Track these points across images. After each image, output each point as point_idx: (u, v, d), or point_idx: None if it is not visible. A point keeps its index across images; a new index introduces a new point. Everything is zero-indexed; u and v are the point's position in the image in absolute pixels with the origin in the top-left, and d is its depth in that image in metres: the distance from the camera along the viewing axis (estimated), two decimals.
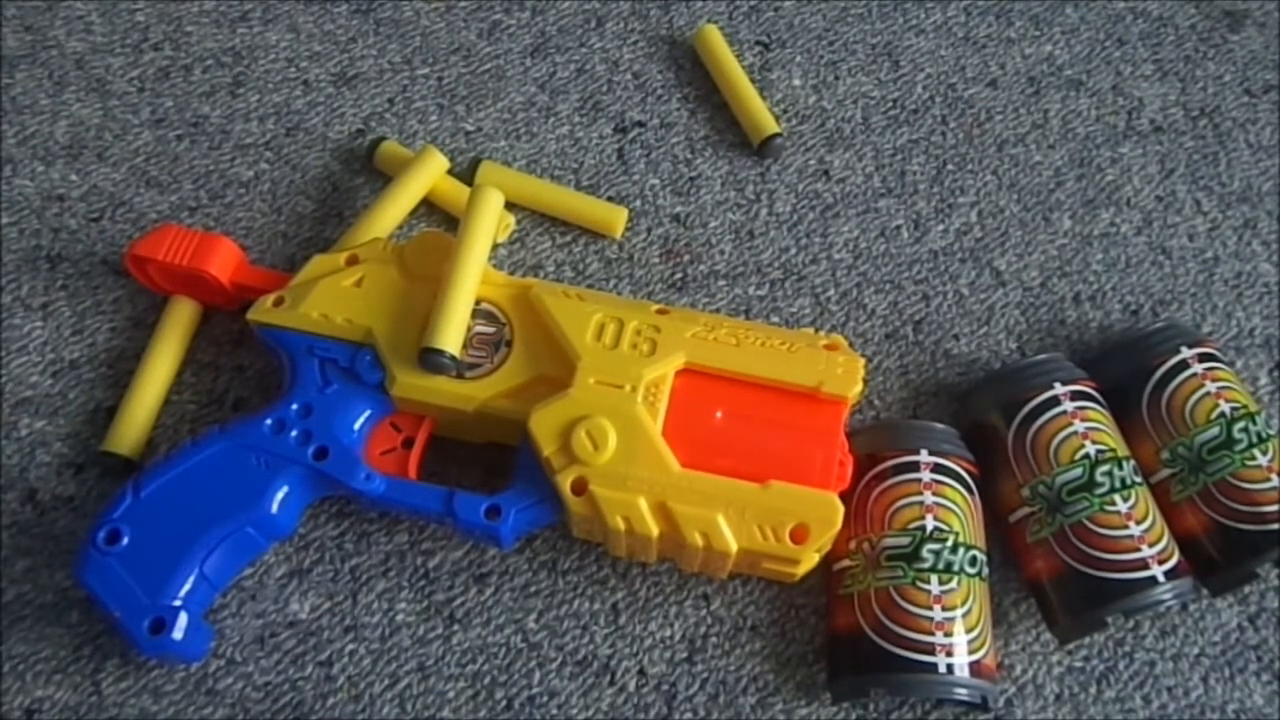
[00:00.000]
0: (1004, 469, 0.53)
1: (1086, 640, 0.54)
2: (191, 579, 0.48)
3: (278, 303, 0.52)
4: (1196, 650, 0.54)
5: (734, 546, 0.47)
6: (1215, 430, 0.52)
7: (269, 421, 0.50)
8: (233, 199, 0.62)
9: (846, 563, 0.51)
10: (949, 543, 0.49)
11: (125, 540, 0.47)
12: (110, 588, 0.47)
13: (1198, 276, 0.63)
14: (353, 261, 0.53)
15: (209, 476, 0.49)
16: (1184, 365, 0.54)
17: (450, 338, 0.50)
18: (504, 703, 0.51)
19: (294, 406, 0.51)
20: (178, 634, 0.47)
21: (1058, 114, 0.68)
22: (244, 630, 0.52)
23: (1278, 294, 0.63)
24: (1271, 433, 0.52)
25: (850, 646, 0.49)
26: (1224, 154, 0.67)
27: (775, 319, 0.61)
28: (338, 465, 0.50)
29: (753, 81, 0.66)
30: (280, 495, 0.50)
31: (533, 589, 0.53)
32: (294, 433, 0.50)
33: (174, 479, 0.49)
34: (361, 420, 0.51)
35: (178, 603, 0.47)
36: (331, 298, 0.52)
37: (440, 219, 0.62)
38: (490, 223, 0.53)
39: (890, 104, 0.68)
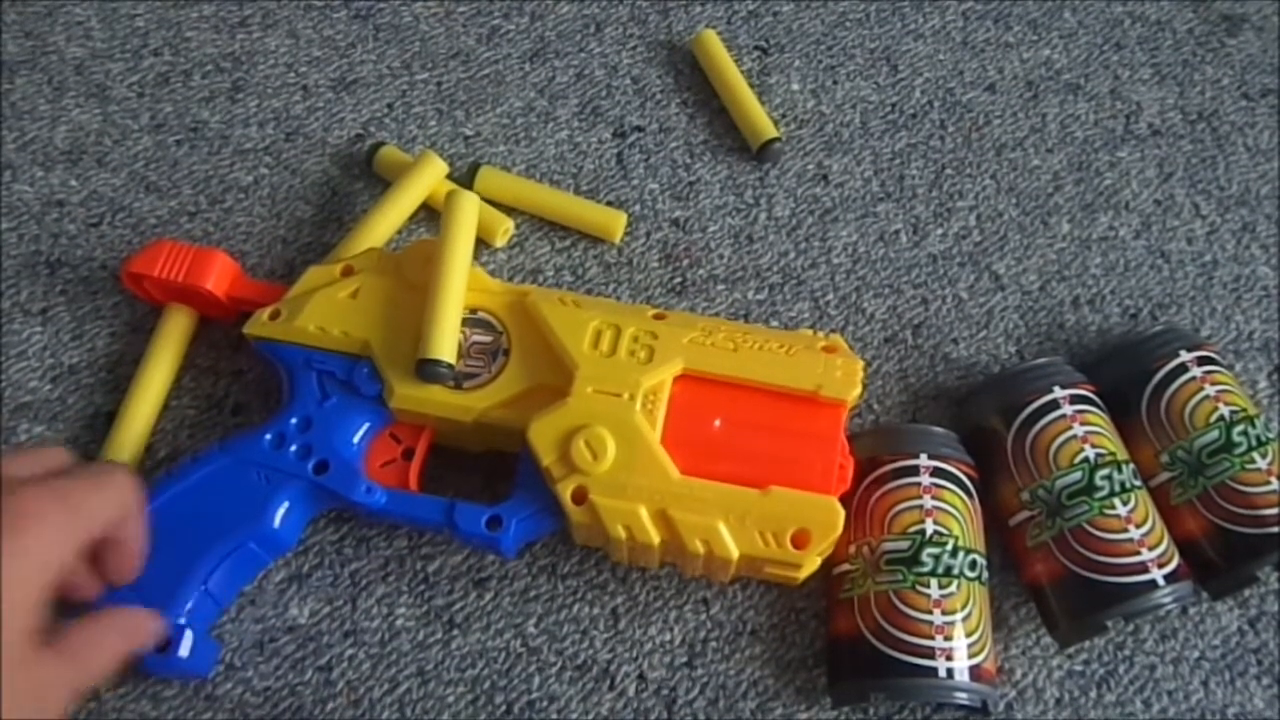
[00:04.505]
0: (1003, 473, 0.53)
1: (1086, 644, 0.54)
2: (196, 597, 0.48)
3: (274, 316, 0.52)
4: (1196, 654, 0.54)
5: (735, 553, 0.47)
6: (1214, 434, 0.52)
7: (268, 436, 0.50)
8: (232, 204, 0.62)
9: (846, 567, 0.51)
10: (948, 547, 0.49)
11: None
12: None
13: (1196, 280, 0.63)
14: (348, 272, 0.53)
15: (210, 493, 0.49)
16: (1183, 369, 0.54)
17: (444, 346, 0.49)
18: (504, 707, 0.51)
19: (293, 420, 0.50)
20: (184, 652, 0.46)
21: (1056, 118, 0.68)
22: (243, 635, 0.52)
23: (1276, 297, 0.63)
24: (1271, 436, 0.52)
25: (850, 651, 0.49)
26: (1222, 158, 0.67)
27: (774, 323, 0.61)
28: (338, 479, 0.49)
29: (751, 86, 0.66)
30: (282, 510, 0.49)
31: (532, 594, 0.53)
32: (294, 447, 0.50)
33: (175, 497, 0.49)
34: (361, 433, 0.51)
35: (182, 620, 0.47)
36: (327, 310, 0.52)
37: (439, 224, 0.62)
38: (468, 227, 0.53)
39: (889, 108, 0.68)
